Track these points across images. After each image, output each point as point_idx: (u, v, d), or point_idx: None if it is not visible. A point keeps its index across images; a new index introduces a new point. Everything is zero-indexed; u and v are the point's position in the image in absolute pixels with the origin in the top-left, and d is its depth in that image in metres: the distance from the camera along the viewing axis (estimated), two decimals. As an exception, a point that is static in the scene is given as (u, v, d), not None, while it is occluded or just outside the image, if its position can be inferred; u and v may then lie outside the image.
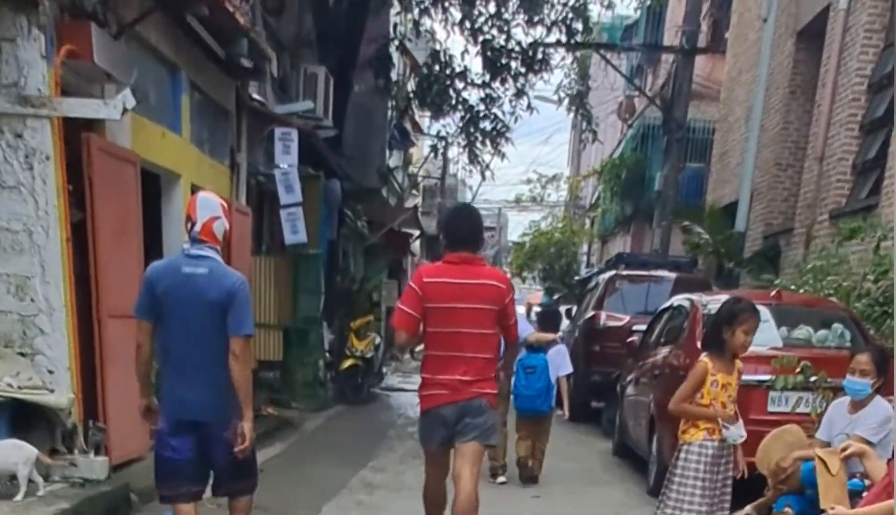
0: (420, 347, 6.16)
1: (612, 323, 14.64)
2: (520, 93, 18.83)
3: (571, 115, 22.76)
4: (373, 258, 26.31)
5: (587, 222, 34.03)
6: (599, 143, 25.89)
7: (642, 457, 9.97)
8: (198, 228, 5.18)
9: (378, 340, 17.04)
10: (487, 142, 19.23)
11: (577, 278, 31.79)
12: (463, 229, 5.96)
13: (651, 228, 22.84)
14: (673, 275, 14.98)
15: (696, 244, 16.53)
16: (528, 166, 58.62)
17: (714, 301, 8.59)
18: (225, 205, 5.36)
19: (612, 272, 15.51)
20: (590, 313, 15.26)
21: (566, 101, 21.02)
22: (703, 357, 5.96)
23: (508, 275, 10.21)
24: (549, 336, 9.82)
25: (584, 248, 35.06)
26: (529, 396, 9.41)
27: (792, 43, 14.66)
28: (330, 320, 16.60)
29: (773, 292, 9.47)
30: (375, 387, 17.61)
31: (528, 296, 52.57)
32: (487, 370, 5.91)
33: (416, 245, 29.78)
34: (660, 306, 11.36)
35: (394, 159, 22.38)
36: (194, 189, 8.70)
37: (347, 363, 16.00)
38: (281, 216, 12.66)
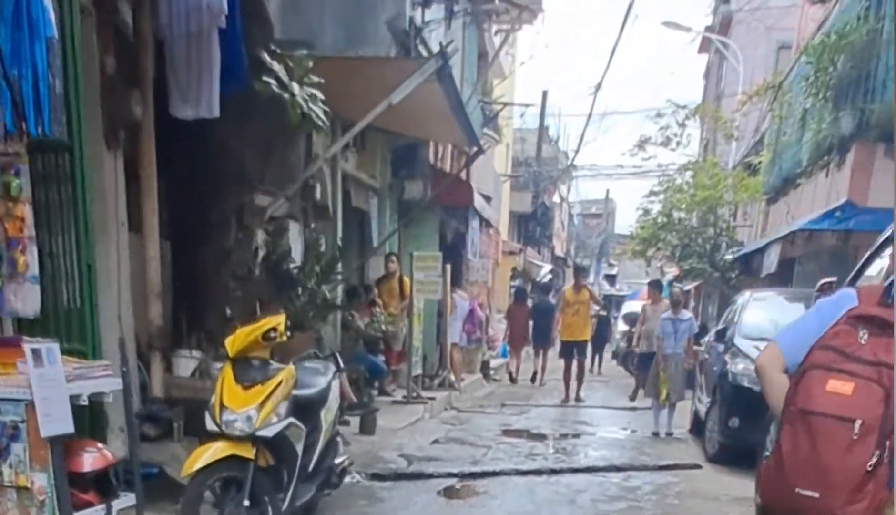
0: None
1: None
2: None
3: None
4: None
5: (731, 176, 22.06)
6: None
7: None
8: None
9: (333, 375, 5.92)
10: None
11: (729, 255, 20.33)
12: None
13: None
14: None
15: None
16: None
17: None
18: None
19: None
20: None
21: None
22: None
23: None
24: None
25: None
26: None
27: None
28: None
29: None
30: (325, 492, 6.43)
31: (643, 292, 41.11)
32: None
33: (482, 201, 18.11)
34: None
35: (433, 12, 11.19)
36: None
37: (205, 456, 5.00)
38: None
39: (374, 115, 7.75)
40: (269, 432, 5.26)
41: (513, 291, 30.91)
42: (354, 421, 10.40)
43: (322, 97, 6.85)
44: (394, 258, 13.82)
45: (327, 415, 6.03)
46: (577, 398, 15.45)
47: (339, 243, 12.28)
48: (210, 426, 5.27)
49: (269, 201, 7.93)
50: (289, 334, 5.42)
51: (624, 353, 24.91)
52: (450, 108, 9.17)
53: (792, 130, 17.44)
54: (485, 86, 20.33)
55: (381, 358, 12.78)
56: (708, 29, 31.63)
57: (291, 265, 8.03)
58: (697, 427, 12.23)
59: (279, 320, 5.40)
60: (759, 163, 20.44)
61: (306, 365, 6.25)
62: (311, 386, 5.94)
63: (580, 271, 17.70)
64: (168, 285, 7.14)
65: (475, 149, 12.79)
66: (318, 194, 10.86)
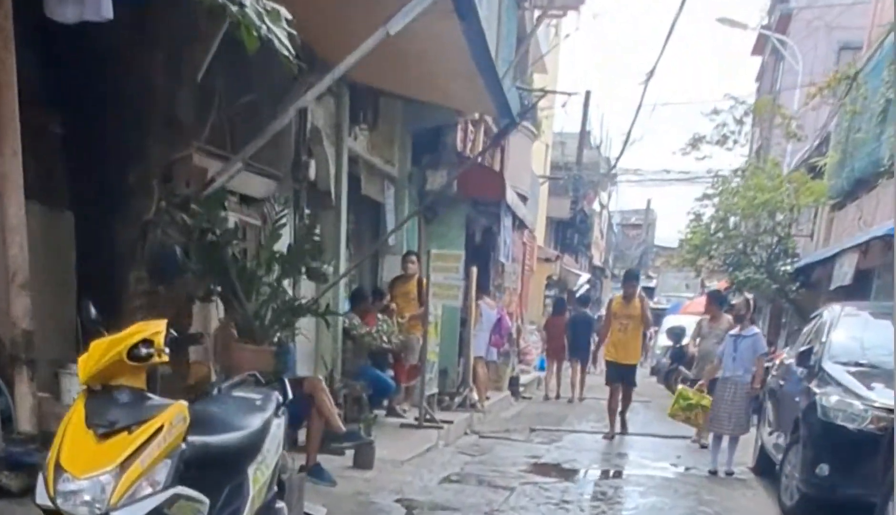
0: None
1: None
2: None
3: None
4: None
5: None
6: None
7: None
8: None
9: (274, 411, 3.79)
10: None
11: (787, 265, 17.97)
12: None
13: None
14: None
15: None
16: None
17: None
18: None
19: None
20: None
21: None
22: None
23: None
24: None
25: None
26: None
27: None
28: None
29: None
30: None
31: (688, 303, 38.67)
32: None
33: (516, 198, 15.82)
34: None
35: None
36: None
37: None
38: None
39: (366, 48, 5.61)
40: (133, 512, 3.15)
41: (548, 301, 28.88)
42: (350, 451, 8.33)
43: (288, 16, 4.76)
44: (413, 258, 11.69)
45: (259, 473, 3.93)
46: (623, 429, 12.83)
47: (345, 233, 10.28)
48: (41, 499, 3.17)
49: (219, 167, 5.78)
50: (184, 352, 3.31)
51: (666, 370, 22.76)
52: (473, 59, 7.02)
53: (868, 126, 15.12)
54: (523, 67, 18.21)
55: (389, 373, 10.71)
56: (764, 28, 29.32)
57: (235, 251, 5.86)
58: (763, 466, 10.06)
59: (155, 327, 3.30)
60: (824, 165, 18.08)
61: (236, 396, 4.15)
62: (235, 428, 3.85)
63: (631, 278, 13.43)
64: (69, 273, 5.10)
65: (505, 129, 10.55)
66: (311, 174, 8.81)
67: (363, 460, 8.29)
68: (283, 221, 6.30)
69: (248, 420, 3.95)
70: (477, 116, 13.26)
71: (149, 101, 5.13)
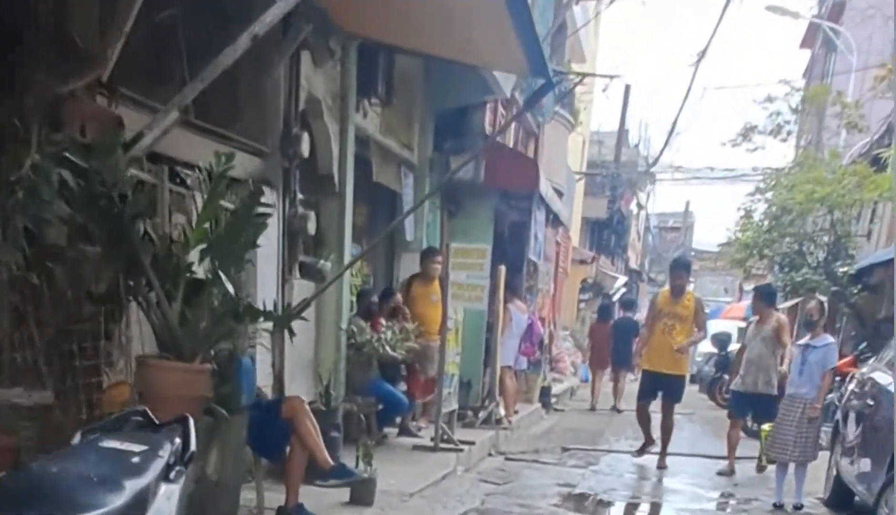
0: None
1: None
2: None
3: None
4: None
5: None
6: None
7: None
8: None
9: (162, 472, 2.23)
10: None
11: (846, 268, 16.19)
12: None
13: None
14: None
15: None
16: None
17: None
18: None
19: None
20: None
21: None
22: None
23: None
24: None
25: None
26: None
27: None
28: None
29: None
30: None
31: (728, 308, 36.84)
32: None
33: (550, 190, 14.13)
34: None
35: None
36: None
37: None
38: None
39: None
40: None
41: (582, 305, 27.35)
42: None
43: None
44: (440, 258, 9.98)
45: None
46: (660, 464, 10.53)
47: (350, 225, 8.73)
48: None
49: (146, 121, 4.19)
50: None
51: (710, 379, 21.12)
52: (505, 3, 5.42)
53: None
54: (559, 46, 16.65)
55: (402, 387, 9.21)
56: (816, 18, 27.55)
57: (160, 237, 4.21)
58: (838, 499, 8.41)
59: None
60: (888, 157, 16.35)
61: (104, 448, 2.63)
62: (85, 506, 2.32)
63: (680, 268, 11.01)
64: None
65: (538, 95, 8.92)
66: (304, 149, 7.31)
67: (361, 494, 6.75)
68: (222, 183, 4.54)
69: (110, 492, 2.42)
70: (508, 95, 11.70)
71: (27, 11, 3.59)
